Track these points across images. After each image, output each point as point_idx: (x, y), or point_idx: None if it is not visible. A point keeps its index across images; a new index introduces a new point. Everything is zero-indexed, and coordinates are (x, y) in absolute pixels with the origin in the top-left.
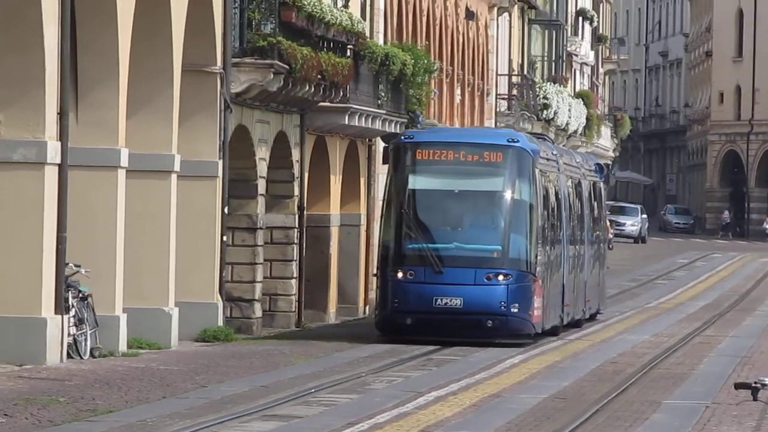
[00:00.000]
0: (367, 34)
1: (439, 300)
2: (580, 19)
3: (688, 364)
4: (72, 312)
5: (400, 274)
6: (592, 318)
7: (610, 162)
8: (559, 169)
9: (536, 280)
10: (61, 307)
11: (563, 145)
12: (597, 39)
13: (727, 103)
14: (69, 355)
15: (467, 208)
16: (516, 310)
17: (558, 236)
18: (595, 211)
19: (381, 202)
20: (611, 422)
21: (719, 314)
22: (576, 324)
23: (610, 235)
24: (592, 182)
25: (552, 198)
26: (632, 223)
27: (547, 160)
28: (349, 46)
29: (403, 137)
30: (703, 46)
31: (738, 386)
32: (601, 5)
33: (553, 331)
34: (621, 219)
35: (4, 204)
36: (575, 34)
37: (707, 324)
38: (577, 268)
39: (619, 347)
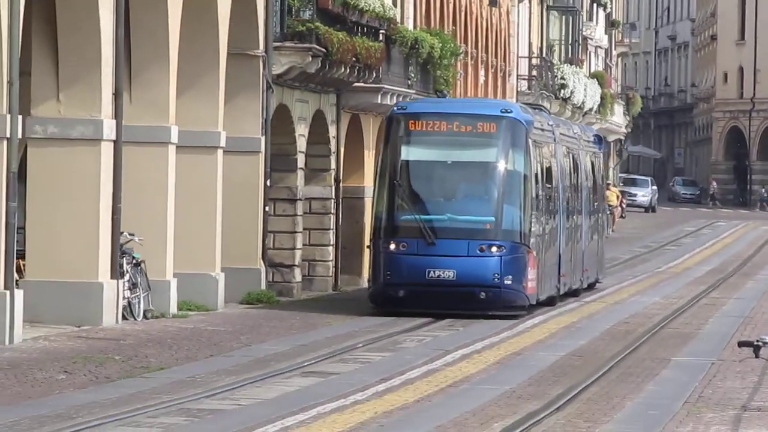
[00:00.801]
0: (398, 19)
1: (431, 272)
2: (595, 5)
3: (695, 324)
4: (126, 277)
5: (392, 246)
6: (591, 287)
7: (623, 137)
8: (555, 140)
9: (530, 251)
10: (116, 272)
11: (579, 122)
12: (610, 24)
13: (731, 83)
14: (123, 317)
15: (460, 179)
16: (509, 282)
17: (554, 207)
18: (593, 182)
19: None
20: (624, 378)
21: (723, 278)
22: (574, 293)
23: (624, 205)
24: (590, 153)
25: (547, 168)
26: (643, 194)
27: (542, 130)
28: (381, 31)
29: (396, 108)
30: (708, 30)
31: (741, 344)
32: None
33: (550, 302)
34: (633, 190)
35: (63, 178)
36: (590, 19)
37: (712, 287)
38: (575, 238)
39: (631, 309)
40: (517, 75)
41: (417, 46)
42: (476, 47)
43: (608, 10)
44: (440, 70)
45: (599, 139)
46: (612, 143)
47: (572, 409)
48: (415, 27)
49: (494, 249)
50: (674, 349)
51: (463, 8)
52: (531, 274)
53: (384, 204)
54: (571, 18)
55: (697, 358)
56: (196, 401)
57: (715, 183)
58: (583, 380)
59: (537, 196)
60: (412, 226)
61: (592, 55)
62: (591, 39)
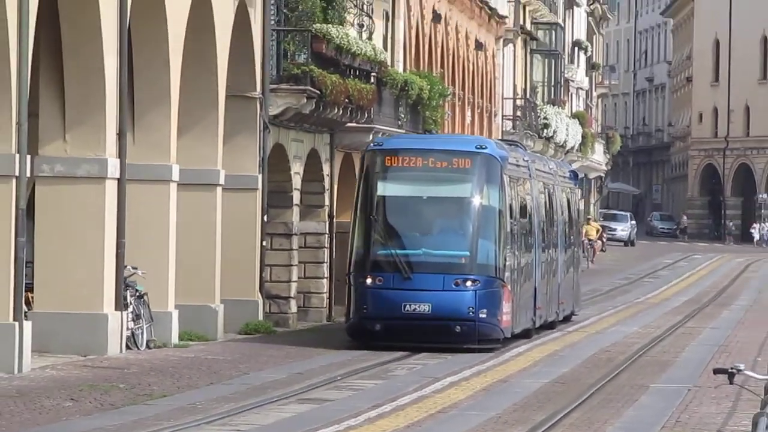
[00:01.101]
0: (389, 62)
1: (407, 306)
2: (576, 49)
3: (672, 352)
4: (130, 308)
5: (369, 280)
6: (567, 320)
7: (603, 174)
8: (530, 175)
9: (505, 285)
10: (120, 304)
11: (562, 160)
12: (591, 66)
13: (706, 123)
14: (127, 347)
15: (436, 214)
16: (484, 316)
17: (529, 241)
18: (569, 217)
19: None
20: (605, 404)
21: (699, 308)
22: (550, 326)
23: (604, 239)
24: (566, 188)
25: (523, 204)
26: (622, 228)
27: (518, 166)
28: (372, 74)
29: (373, 144)
30: (684, 72)
31: (716, 371)
32: (594, 37)
33: (525, 334)
34: (612, 225)
35: (69, 214)
36: (572, 62)
37: (689, 317)
38: (550, 271)
39: (611, 338)
40: (503, 115)
41: (407, 87)
42: (463, 89)
43: (588, 53)
44: (429, 110)
45: (575, 175)
46: (593, 180)
47: None
48: (405, 70)
49: (469, 283)
50: (653, 376)
51: (450, 52)
52: (506, 307)
53: (361, 239)
54: (553, 61)
55: (674, 384)
56: (196, 427)
57: (685, 217)
58: (566, 406)
59: (512, 230)
60: (388, 260)
61: (574, 96)
62: (572, 81)
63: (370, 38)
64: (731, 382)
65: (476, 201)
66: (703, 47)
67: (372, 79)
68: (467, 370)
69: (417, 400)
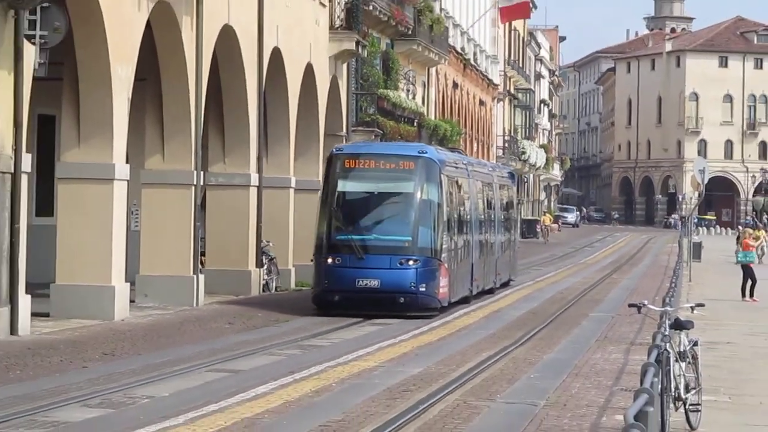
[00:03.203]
0: (425, 113)
1: (360, 281)
2: (542, 105)
3: (602, 294)
4: (265, 266)
5: (329, 260)
6: (505, 285)
7: (559, 183)
8: (468, 175)
9: (441, 263)
10: (259, 263)
11: (533, 174)
12: (551, 116)
13: (623, 151)
14: (263, 290)
15: (384, 207)
16: (423, 289)
17: (467, 227)
18: (507, 207)
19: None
20: (559, 325)
21: (619, 266)
22: (489, 291)
23: (560, 223)
24: (504, 185)
25: (460, 197)
26: (571, 217)
27: (456, 167)
28: (415, 120)
29: (335, 149)
30: (609, 119)
31: (630, 305)
32: (553, 97)
33: (465, 300)
34: (565, 214)
35: (229, 209)
36: (539, 112)
37: (612, 272)
38: (487, 250)
39: (564, 285)
40: (496, 146)
41: (437, 129)
42: (471, 129)
43: (550, 107)
44: (450, 143)
45: (512, 175)
46: (553, 186)
47: (530, 344)
48: (435, 117)
49: (411, 262)
50: (590, 309)
51: (463, 106)
52: (442, 282)
53: (324, 226)
54: (527, 112)
55: (603, 313)
56: (304, 339)
57: (615, 213)
58: (536, 326)
59: (449, 219)
60: (345, 244)
61: (541, 134)
62: (540, 124)
63: (413, 98)
64: (639, 312)
65: (417, 196)
66: (621, 104)
67: (414, 124)
68: (473, 305)
69: (440, 324)
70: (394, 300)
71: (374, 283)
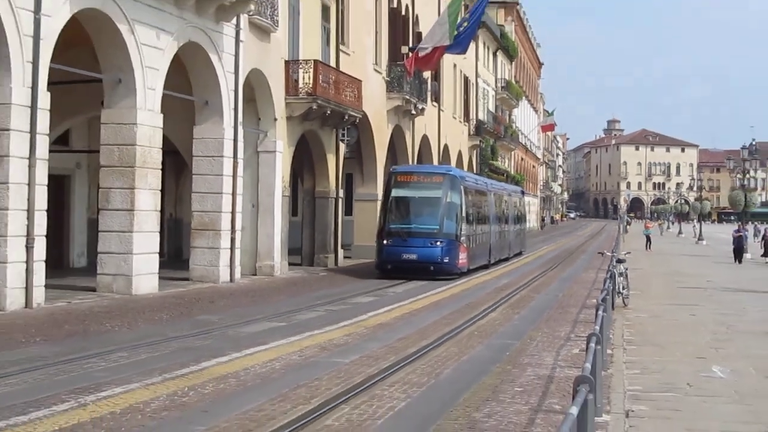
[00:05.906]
0: (510, 171)
1: (405, 255)
2: (559, 167)
3: (585, 253)
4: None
5: (386, 241)
6: (518, 255)
7: (566, 199)
8: (488, 190)
9: (461, 244)
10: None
11: (554, 197)
12: (563, 171)
13: (594, 187)
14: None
15: (422, 206)
16: (447, 260)
17: (486, 221)
18: (518, 210)
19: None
20: (538, 288)
21: (592, 236)
22: (505, 259)
23: (566, 218)
24: (517, 198)
25: (478, 201)
26: (572, 215)
27: (476, 183)
28: (505, 173)
29: (392, 169)
30: (588, 172)
31: (599, 253)
32: (564, 163)
33: (485, 266)
34: (569, 213)
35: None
36: (557, 170)
37: (590, 238)
38: (501, 235)
39: (566, 246)
40: (539, 186)
41: (514, 178)
42: (528, 177)
43: (563, 167)
44: (519, 184)
45: (523, 192)
46: (563, 202)
47: (505, 305)
48: (513, 172)
49: (438, 243)
50: (562, 272)
51: (525, 168)
52: (461, 256)
53: (383, 218)
54: (552, 170)
55: (576, 273)
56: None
57: (583, 212)
58: (512, 293)
59: (467, 215)
60: (396, 230)
61: (558, 179)
62: (558, 175)
63: (503, 163)
64: (602, 255)
65: (444, 199)
66: (592, 166)
67: (504, 175)
68: (465, 278)
69: (446, 290)
70: (427, 268)
71: (414, 256)
